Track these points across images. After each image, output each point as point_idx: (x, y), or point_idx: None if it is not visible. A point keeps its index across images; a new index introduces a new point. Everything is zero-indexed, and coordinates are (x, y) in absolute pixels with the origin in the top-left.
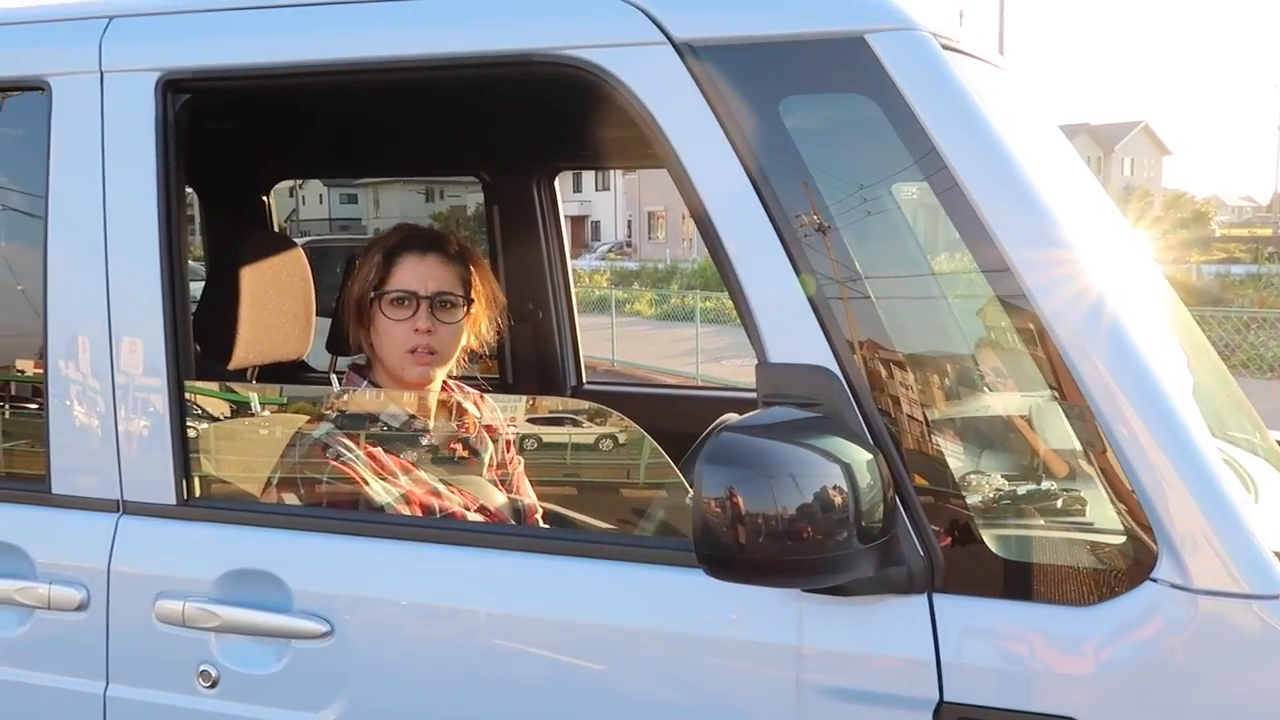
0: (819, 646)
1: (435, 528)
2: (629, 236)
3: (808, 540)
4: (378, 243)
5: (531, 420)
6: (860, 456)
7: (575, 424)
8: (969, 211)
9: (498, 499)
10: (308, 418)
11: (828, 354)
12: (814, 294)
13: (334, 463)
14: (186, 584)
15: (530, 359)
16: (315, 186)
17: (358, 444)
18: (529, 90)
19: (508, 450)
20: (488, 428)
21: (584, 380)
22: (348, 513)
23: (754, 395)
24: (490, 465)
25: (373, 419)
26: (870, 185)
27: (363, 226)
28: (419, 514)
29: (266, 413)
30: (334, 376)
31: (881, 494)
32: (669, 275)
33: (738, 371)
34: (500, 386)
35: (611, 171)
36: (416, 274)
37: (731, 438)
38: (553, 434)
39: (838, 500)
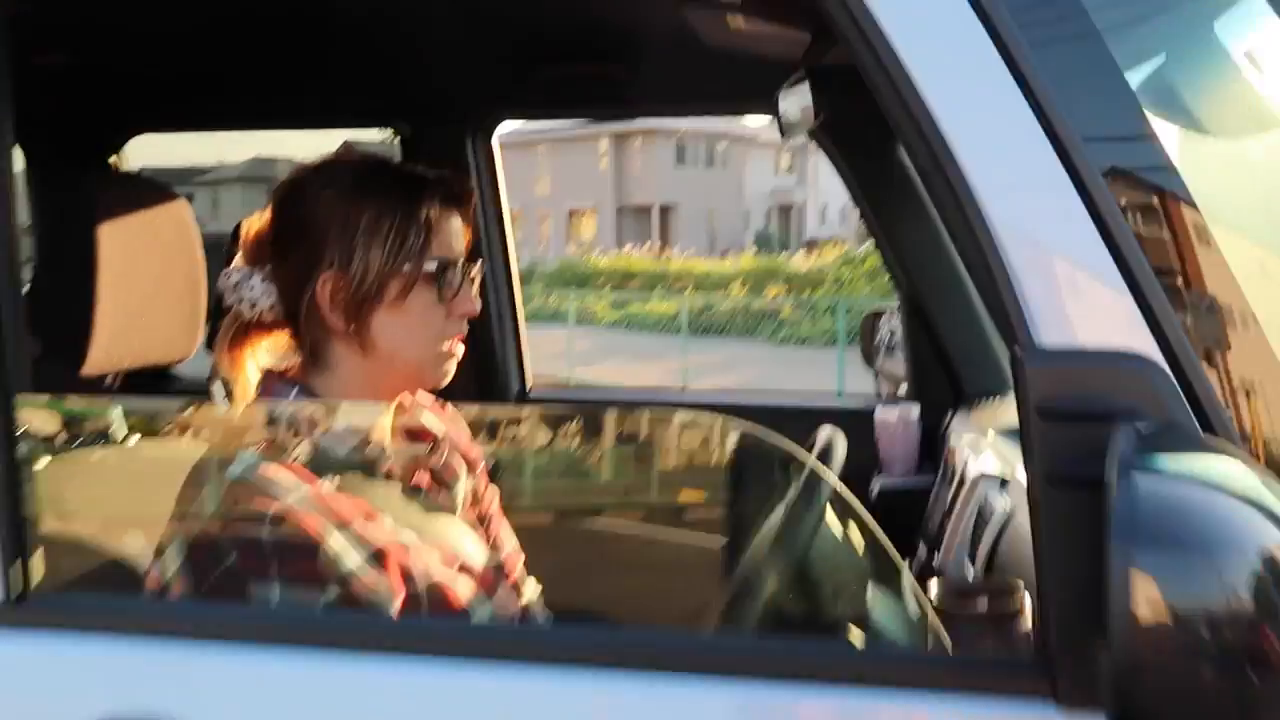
0: None
1: (473, 636)
2: None
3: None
4: (398, 192)
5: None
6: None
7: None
8: None
9: (478, 552)
10: (218, 446)
11: (1144, 334)
12: (1117, 236)
13: (275, 508)
14: None
15: (466, 360)
16: None
17: (303, 482)
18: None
19: (482, 479)
20: (461, 451)
21: (529, 386)
22: (304, 613)
23: (729, 401)
24: (465, 502)
25: (315, 444)
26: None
27: (200, 225)
28: (398, 581)
29: (143, 441)
30: (218, 387)
31: None
32: (527, 276)
33: (610, 374)
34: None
35: None
36: (456, 232)
37: (1164, 495)
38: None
39: None
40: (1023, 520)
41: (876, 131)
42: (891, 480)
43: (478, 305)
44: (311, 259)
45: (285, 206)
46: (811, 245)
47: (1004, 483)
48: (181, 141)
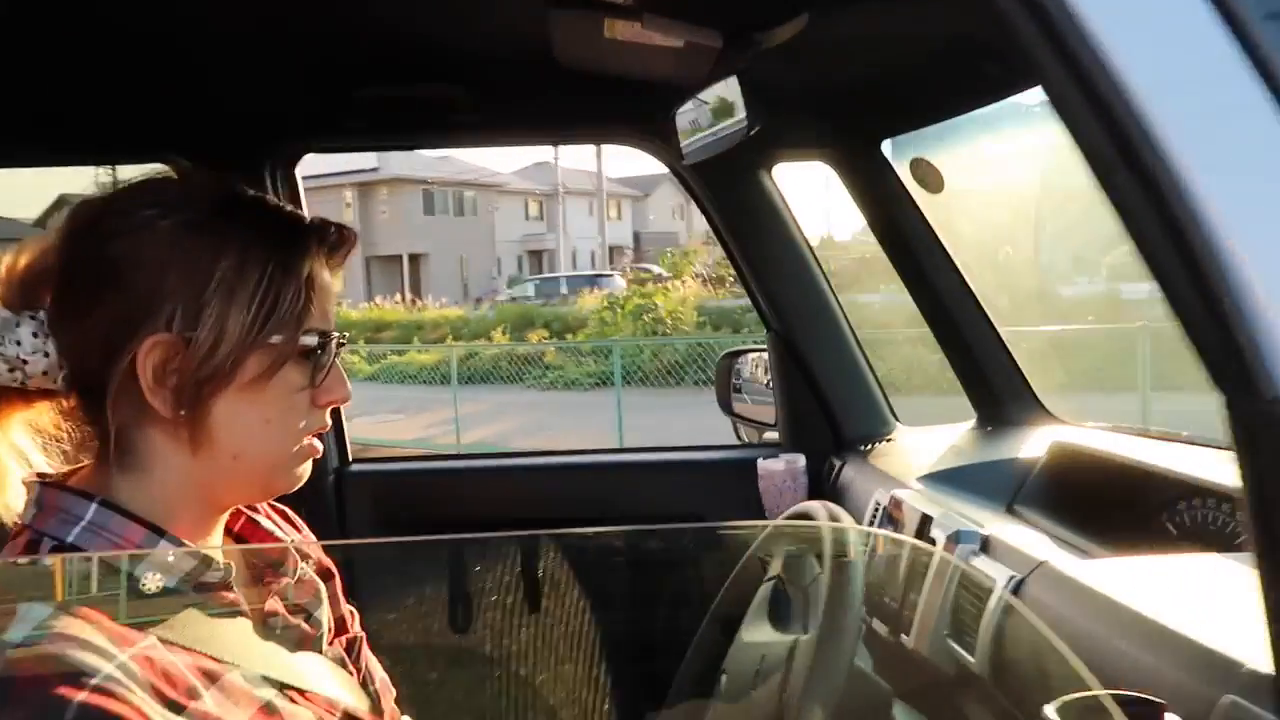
0: None
1: None
2: None
3: None
4: (274, 235)
5: None
6: None
7: None
8: None
9: (356, 695)
10: None
11: None
12: None
13: (81, 694)
14: None
15: None
16: None
17: (119, 645)
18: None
19: (343, 600)
20: (318, 566)
21: (349, 459)
22: None
23: (542, 461)
24: (329, 633)
25: (128, 579)
26: None
27: None
28: None
29: None
30: None
31: None
32: None
33: (377, 430)
34: None
35: None
36: (333, 295)
37: None
38: None
39: None
40: (1041, 593)
41: (746, 158)
42: None
43: (349, 390)
44: (131, 315)
45: (93, 238)
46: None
47: (985, 543)
48: None
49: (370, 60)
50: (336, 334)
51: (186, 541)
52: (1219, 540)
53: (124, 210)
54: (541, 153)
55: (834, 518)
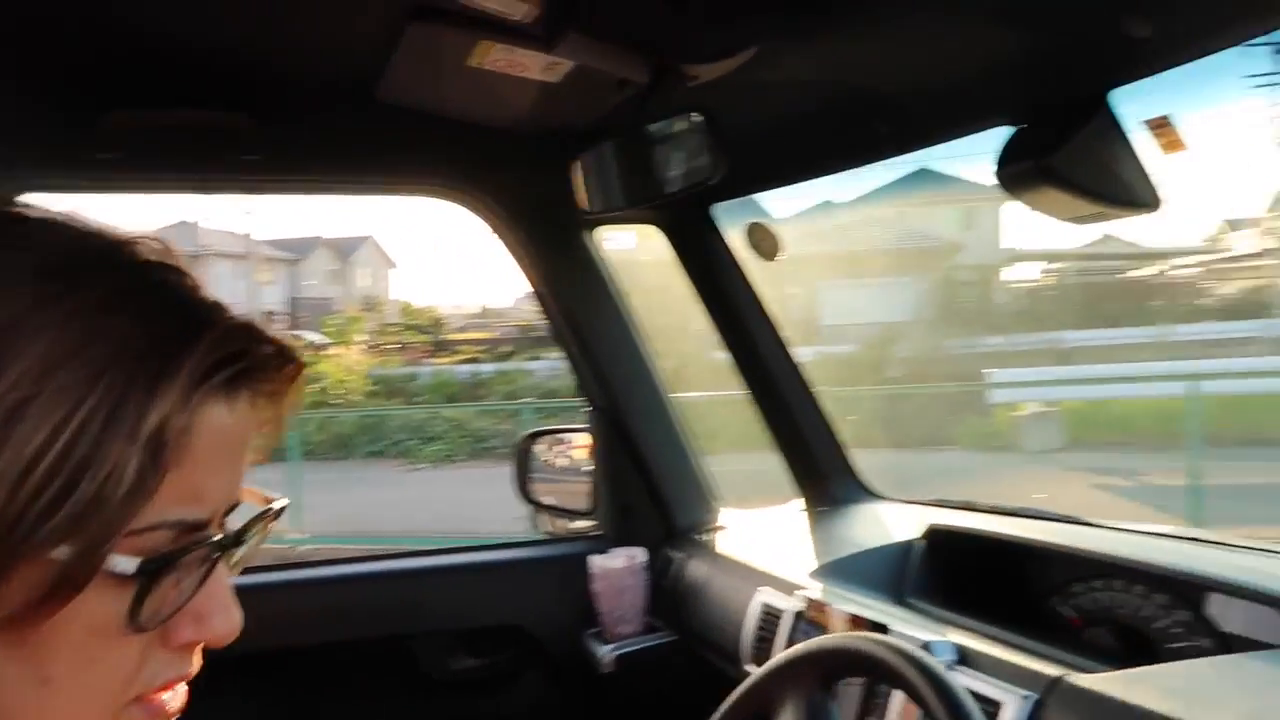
0: None
1: None
2: None
3: None
4: (108, 334)
5: None
6: None
7: None
8: None
9: None
10: None
11: None
12: None
13: None
14: None
15: None
16: None
17: None
18: None
19: None
20: None
21: None
22: None
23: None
24: None
25: None
26: None
27: None
28: None
29: None
30: None
31: None
32: None
33: None
34: None
35: None
36: (227, 456)
37: None
38: None
39: None
40: (1069, 716)
41: (568, 215)
42: (627, 644)
43: (237, 620)
44: None
45: None
46: None
47: (962, 654)
48: None
49: (126, 74)
50: (221, 532)
51: None
52: (1133, 624)
53: None
54: (183, 211)
55: (910, 657)
